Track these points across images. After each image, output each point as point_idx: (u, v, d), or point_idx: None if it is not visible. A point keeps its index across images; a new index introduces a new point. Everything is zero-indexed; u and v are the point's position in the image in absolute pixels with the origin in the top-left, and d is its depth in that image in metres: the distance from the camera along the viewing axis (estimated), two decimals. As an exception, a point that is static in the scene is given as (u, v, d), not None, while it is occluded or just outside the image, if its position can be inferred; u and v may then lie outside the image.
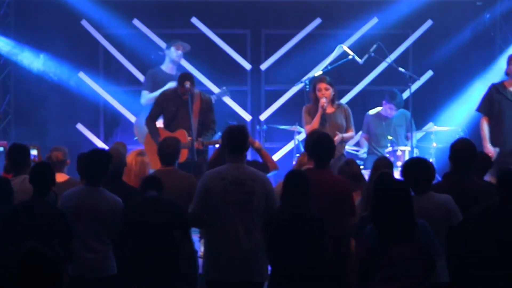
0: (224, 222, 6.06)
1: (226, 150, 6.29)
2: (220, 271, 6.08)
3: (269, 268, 6.15)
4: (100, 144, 11.64)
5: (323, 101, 9.05)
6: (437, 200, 6.05)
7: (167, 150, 7.24)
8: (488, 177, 7.12)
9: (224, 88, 10.86)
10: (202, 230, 7.27)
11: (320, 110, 9.04)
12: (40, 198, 5.92)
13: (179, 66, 10.76)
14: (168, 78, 10.42)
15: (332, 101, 9.18)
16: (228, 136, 6.25)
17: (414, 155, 9.84)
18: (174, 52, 10.56)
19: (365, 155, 10.38)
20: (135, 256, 6.14)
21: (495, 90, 9.38)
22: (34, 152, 7.92)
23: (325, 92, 9.11)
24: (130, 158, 7.40)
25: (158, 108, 9.31)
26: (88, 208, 6.14)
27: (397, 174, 7.75)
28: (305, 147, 7.32)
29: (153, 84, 10.41)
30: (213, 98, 9.98)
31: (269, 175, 7.46)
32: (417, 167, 6.09)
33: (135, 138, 10.51)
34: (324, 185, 6.23)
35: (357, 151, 10.59)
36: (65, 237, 5.81)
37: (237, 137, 6.21)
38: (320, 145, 6.53)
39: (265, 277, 6.16)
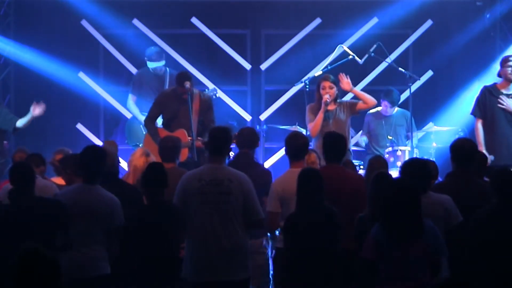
0: (202, 222, 6.08)
1: (207, 151, 6.37)
2: (200, 271, 6.08)
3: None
4: (100, 144, 11.63)
5: (326, 97, 9.07)
6: (436, 200, 6.03)
7: (167, 145, 7.39)
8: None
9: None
10: None
11: (323, 106, 9.05)
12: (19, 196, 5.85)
13: (170, 65, 10.78)
14: (155, 77, 10.44)
15: (334, 99, 9.19)
16: (210, 137, 6.33)
17: (414, 155, 9.84)
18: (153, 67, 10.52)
19: (363, 143, 10.40)
20: (137, 257, 6.11)
21: (488, 93, 9.36)
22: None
23: (329, 91, 9.13)
24: (135, 158, 7.44)
25: (157, 108, 9.30)
26: (83, 206, 6.01)
27: (395, 174, 7.74)
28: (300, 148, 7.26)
29: (140, 86, 10.47)
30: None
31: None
32: (415, 167, 6.06)
33: (126, 141, 10.50)
34: (336, 180, 6.26)
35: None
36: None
37: (219, 139, 6.28)
38: (328, 142, 6.62)
39: (248, 274, 6.16)
